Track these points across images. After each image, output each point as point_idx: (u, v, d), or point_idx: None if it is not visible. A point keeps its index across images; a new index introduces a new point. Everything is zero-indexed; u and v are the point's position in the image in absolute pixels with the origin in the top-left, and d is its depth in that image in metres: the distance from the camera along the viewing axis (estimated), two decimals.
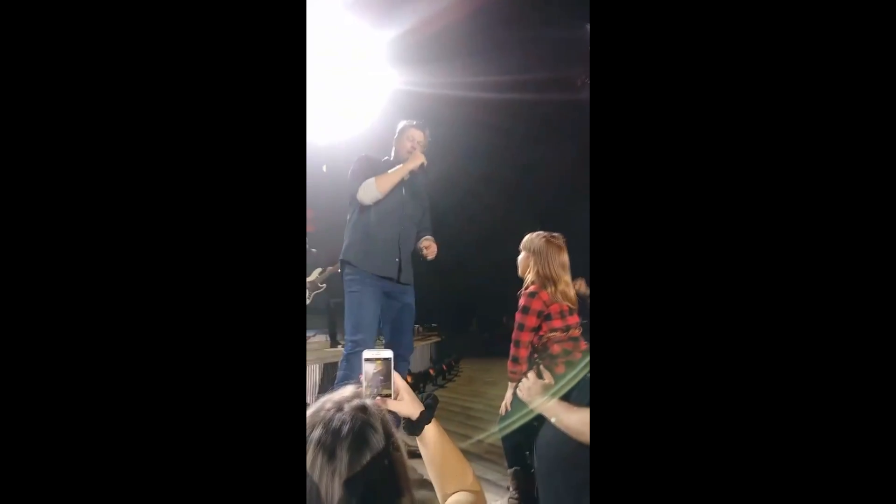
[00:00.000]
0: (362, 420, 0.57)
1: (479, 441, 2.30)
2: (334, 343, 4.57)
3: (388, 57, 3.89)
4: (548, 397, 1.26)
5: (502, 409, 1.53)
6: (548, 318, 1.44)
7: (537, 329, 1.45)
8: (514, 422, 1.42)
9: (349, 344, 1.95)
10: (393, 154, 2.21)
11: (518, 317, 1.46)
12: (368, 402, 0.62)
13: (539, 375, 1.24)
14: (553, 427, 1.15)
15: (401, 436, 0.64)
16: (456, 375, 5.35)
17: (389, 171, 2.04)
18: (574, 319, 1.48)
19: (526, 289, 1.50)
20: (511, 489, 1.51)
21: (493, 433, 2.11)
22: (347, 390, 0.65)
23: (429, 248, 2.10)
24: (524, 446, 1.44)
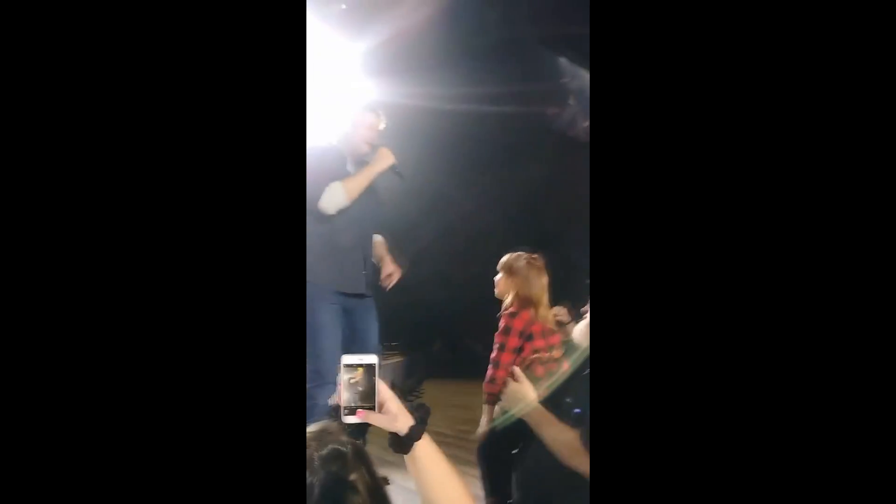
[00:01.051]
0: (336, 478, 0.50)
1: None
2: None
3: (363, 68, 3.84)
4: (530, 402, 1.20)
5: (479, 434, 1.44)
6: (530, 338, 1.39)
7: (519, 350, 1.39)
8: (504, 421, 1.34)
9: (311, 374, 1.71)
10: (343, 139, 1.90)
11: (499, 337, 1.41)
12: (342, 447, 0.54)
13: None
14: (537, 455, 1.08)
15: (385, 468, 0.57)
16: (419, 396, 5.23)
17: (356, 174, 1.77)
18: (556, 339, 1.42)
19: (506, 310, 1.45)
20: None
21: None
22: (314, 429, 0.58)
23: (391, 276, 1.88)
24: (503, 472, 1.36)
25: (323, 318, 1.76)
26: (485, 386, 1.43)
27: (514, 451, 1.32)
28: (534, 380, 1.32)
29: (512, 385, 1.30)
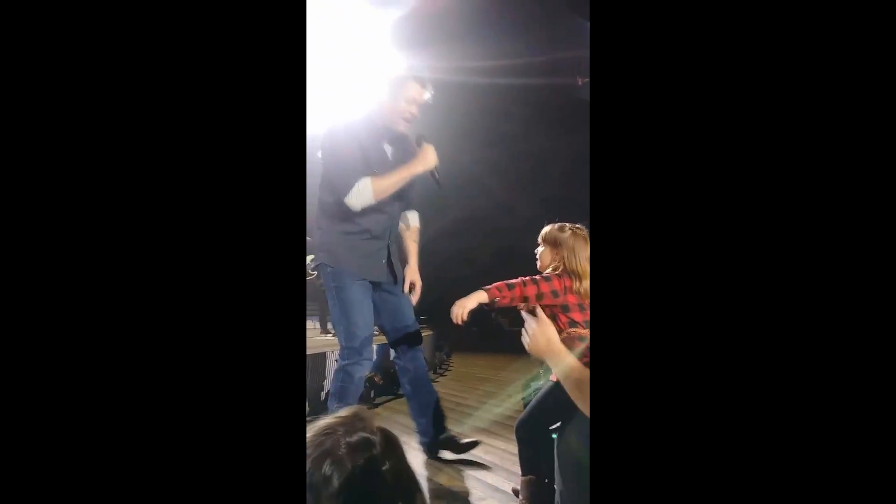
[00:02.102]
0: (365, 468, 0.50)
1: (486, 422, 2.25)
2: (325, 329, 4.48)
3: (389, 40, 3.79)
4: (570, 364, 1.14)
5: (459, 316, 1.40)
6: (565, 308, 1.35)
7: (540, 297, 1.35)
8: (528, 392, 1.33)
9: (345, 352, 1.73)
10: (378, 111, 1.74)
11: (539, 277, 1.37)
12: (372, 436, 0.53)
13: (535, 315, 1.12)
14: (577, 432, 1.07)
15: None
16: (448, 370, 5.31)
17: (391, 174, 1.67)
18: (588, 315, 1.39)
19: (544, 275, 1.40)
20: (521, 498, 1.42)
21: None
22: (346, 413, 0.56)
23: (413, 287, 1.87)
24: (542, 450, 1.35)
25: (354, 296, 1.75)
26: (499, 283, 1.37)
27: (552, 428, 1.31)
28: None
29: (556, 345, 1.24)
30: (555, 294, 1.36)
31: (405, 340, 1.89)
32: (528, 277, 1.39)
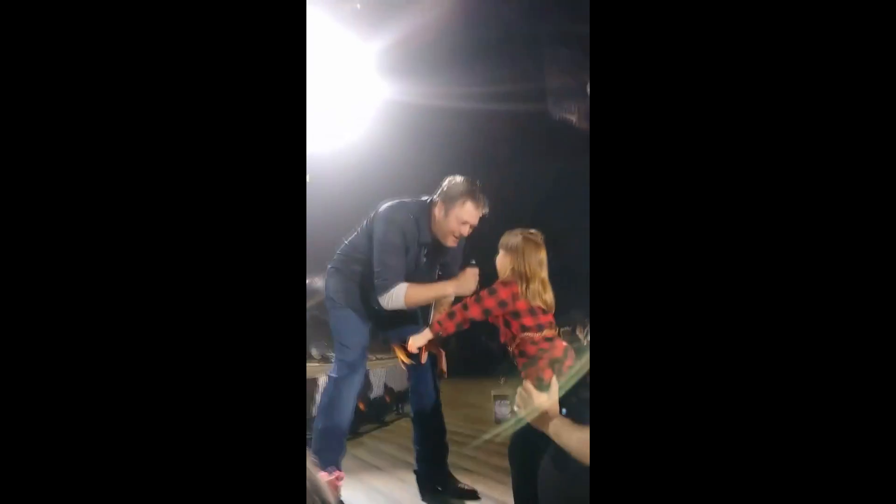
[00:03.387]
0: None
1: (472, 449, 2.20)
2: (310, 356, 4.41)
3: (377, 67, 3.84)
4: (540, 408, 1.20)
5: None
6: (515, 315, 1.36)
7: (487, 313, 1.39)
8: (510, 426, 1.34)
9: (338, 365, 1.74)
10: (435, 221, 1.70)
11: (483, 292, 1.41)
12: None
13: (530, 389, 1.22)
14: (558, 465, 1.07)
15: None
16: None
17: (427, 287, 1.70)
18: (547, 318, 1.39)
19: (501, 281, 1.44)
20: None
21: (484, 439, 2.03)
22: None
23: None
24: (532, 478, 1.34)
25: (349, 313, 1.78)
26: (441, 316, 1.42)
27: (541, 458, 1.31)
28: (540, 383, 1.31)
29: (522, 392, 1.30)
30: (503, 305, 1.39)
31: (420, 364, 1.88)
32: (471, 297, 1.43)
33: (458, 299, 1.58)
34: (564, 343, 1.41)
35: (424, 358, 1.87)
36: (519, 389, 1.32)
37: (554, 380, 1.30)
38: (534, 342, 1.37)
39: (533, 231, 1.47)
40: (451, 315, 1.41)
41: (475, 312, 1.40)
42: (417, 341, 1.43)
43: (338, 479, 1.49)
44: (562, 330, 1.46)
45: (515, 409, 1.31)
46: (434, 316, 1.93)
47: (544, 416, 1.22)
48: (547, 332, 1.40)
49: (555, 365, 1.33)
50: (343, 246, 1.87)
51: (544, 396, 1.26)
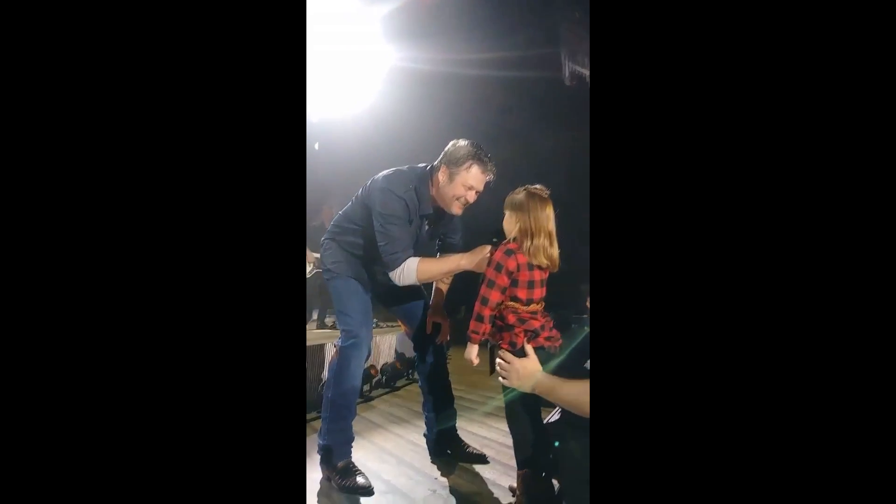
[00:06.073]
0: None
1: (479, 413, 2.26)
2: (321, 324, 4.48)
3: (383, 32, 3.76)
4: (536, 378, 1.25)
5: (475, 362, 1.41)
6: (514, 283, 1.36)
7: (506, 290, 1.36)
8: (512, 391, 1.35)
9: (344, 335, 1.73)
10: (438, 187, 1.65)
11: (489, 273, 1.36)
12: None
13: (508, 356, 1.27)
14: (579, 441, 1.09)
15: None
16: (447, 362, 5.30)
17: (438, 262, 1.63)
18: (539, 293, 1.38)
19: (506, 244, 1.39)
20: (517, 492, 1.43)
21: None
22: None
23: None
24: (539, 454, 1.36)
25: (351, 285, 1.78)
26: (472, 323, 1.37)
27: (556, 444, 1.32)
28: (513, 347, 1.33)
29: (501, 363, 1.32)
30: (511, 274, 1.36)
31: (424, 334, 1.91)
32: (484, 286, 1.37)
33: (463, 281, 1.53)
34: (546, 319, 1.40)
35: (430, 328, 1.88)
36: (497, 360, 1.34)
37: (528, 346, 1.31)
38: (516, 312, 1.36)
39: (538, 186, 1.43)
40: (479, 318, 1.36)
41: (496, 297, 1.36)
42: (472, 356, 1.40)
43: None
44: (551, 314, 1.44)
45: (501, 380, 1.33)
46: (434, 299, 1.94)
47: (530, 380, 1.25)
48: (533, 307, 1.39)
49: (528, 333, 1.34)
50: (337, 217, 1.85)
51: (525, 361, 1.28)
